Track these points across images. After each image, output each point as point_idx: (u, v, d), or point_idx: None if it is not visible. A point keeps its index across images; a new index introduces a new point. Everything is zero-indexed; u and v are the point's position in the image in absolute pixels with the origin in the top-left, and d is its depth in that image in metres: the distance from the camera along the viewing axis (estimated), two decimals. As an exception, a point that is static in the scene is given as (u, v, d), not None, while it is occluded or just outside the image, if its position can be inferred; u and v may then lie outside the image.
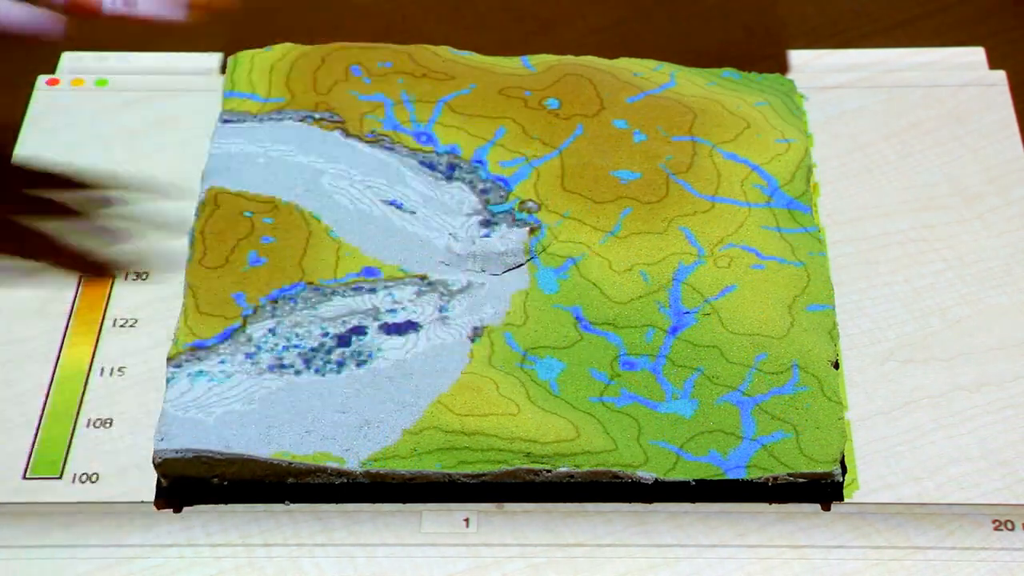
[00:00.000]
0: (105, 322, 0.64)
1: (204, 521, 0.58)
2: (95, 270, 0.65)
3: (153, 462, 0.58)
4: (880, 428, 0.61)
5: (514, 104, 0.69)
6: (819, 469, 0.58)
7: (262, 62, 0.71)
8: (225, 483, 0.59)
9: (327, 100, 0.69)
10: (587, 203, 0.66)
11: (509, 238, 0.64)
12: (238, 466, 0.58)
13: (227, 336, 0.61)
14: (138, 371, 0.63)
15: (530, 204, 0.65)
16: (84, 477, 0.59)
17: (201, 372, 0.60)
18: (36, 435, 0.61)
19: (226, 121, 0.69)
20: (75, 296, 0.65)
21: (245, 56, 0.71)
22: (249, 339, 0.61)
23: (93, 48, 0.76)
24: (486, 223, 0.65)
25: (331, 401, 0.59)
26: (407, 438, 0.58)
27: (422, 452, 0.58)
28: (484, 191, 0.66)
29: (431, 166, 0.67)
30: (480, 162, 0.67)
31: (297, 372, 0.60)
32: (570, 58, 0.72)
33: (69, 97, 0.73)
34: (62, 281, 0.65)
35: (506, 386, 0.60)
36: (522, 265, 0.64)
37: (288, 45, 0.72)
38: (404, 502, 0.59)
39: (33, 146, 0.71)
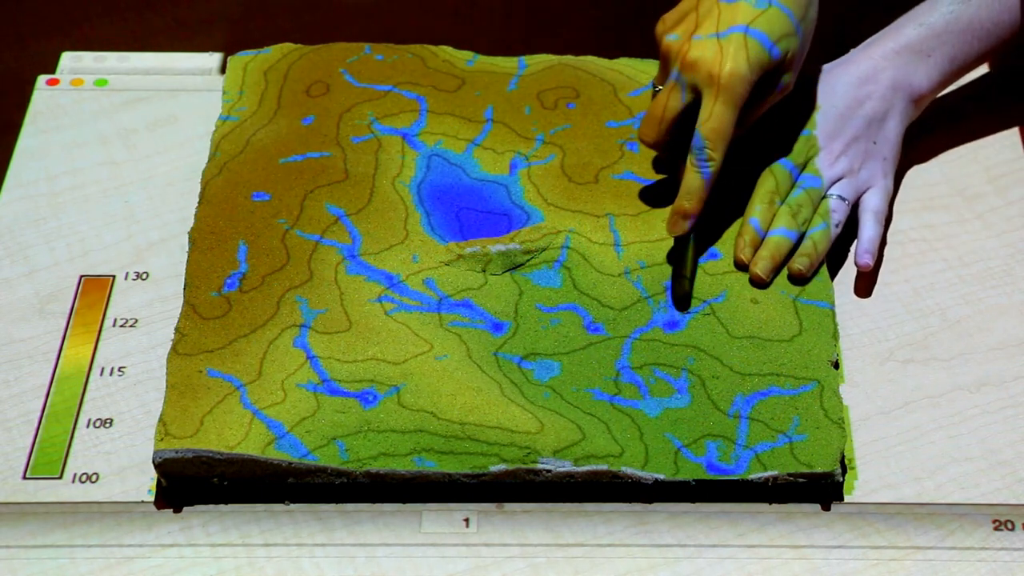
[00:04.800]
0: (105, 322, 0.64)
1: (204, 521, 0.58)
2: None
3: (153, 462, 0.58)
4: (880, 428, 0.61)
5: (505, 104, 0.70)
6: (819, 469, 0.58)
7: (257, 65, 0.71)
8: (225, 483, 0.59)
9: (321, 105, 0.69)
10: (586, 200, 0.66)
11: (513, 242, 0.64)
12: (238, 466, 0.58)
13: None
14: (138, 371, 0.63)
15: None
16: (84, 477, 0.59)
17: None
18: (36, 435, 0.61)
19: None
20: (75, 296, 0.65)
21: (239, 61, 0.71)
22: None
23: (93, 48, 0.76)
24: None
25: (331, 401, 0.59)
26: (407, 437, 0.58)
27: (421, 451, 0.58)
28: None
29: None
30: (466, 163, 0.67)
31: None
32: (570, 58, 0.72)
33: (69, 97, 0.73)
34: (62, 281, 0.65)
35: (504, 386, 0.60)
36: (522, 265, 0.64)
37: (287, 45, 0.72)
38: (404, 502, 0.59)
39: (33, 146, 0.71)
